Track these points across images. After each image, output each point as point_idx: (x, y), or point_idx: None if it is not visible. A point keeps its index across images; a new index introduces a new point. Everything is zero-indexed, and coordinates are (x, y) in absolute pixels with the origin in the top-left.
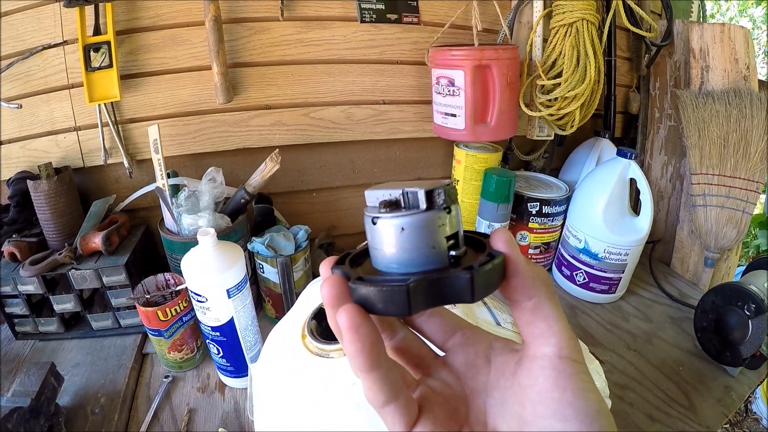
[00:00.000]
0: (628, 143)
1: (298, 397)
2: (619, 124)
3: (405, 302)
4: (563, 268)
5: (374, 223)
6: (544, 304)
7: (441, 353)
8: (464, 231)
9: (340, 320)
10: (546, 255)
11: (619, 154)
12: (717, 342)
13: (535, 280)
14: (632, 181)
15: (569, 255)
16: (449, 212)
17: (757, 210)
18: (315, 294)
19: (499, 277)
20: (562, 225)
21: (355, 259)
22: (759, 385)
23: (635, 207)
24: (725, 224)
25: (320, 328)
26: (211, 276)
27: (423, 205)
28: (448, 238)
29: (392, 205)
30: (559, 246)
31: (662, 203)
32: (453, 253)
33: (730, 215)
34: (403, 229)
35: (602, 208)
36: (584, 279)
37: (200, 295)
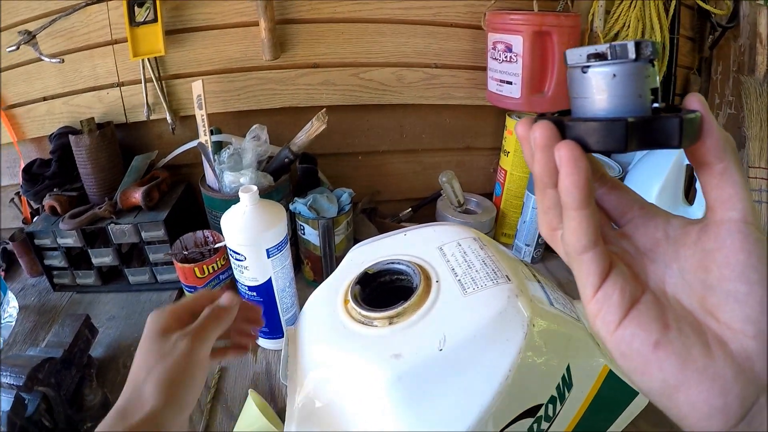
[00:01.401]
0: None
1: (337, 365)
2: None
3: (623, 137)
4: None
5: (584, 72)
6: (732, 169)
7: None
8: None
9: (561, 153)
10: None
11: None
12: None
13: (726, 144)
14: (688, 169)
15: None
16: (653, 66)
17: None
18: (358, 259)
19: (698, 132)
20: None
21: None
22: None
23: (688, 195)
24: None
25: (364, 294)
26: (251, 234)
27: (633, 54)
28: (651, 91)
29: (600, 57)
30: None
31: None
32: (656, 105)
33: None
34: (614, 75)
35: (656, 194)
36: None
37: (239, 254)
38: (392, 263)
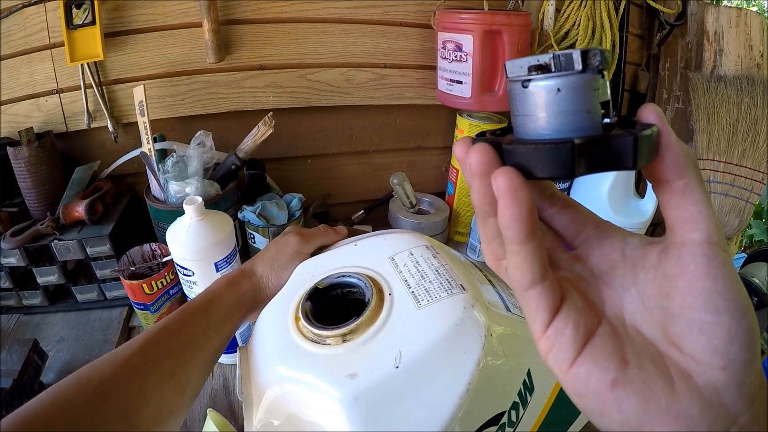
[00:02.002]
0: None
1: (292, 386)
2: (626, 102)
3: (569, 161)
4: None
5: (525, 87)
6: (694, 186)
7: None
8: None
9: (498, 183)
10: None
11: None
12: None
13: (687, 159)
14: None
15: None
16: (603, 77)
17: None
18: (308, 272)
19: (655, 149)
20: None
21: (494, 135)
22: None
23: (638, 188)
24: (728, 212)
25: (315, 310)
26: (198, 248)
27: (579, 65)
28: (602, 105)
29: (543, 69)
30: None
31: None
32: (607, 120)
33: (733, 203)
34: (559, 90)
35: (607, 189)
36: None
37: (186, 269)
38: (343, 276)
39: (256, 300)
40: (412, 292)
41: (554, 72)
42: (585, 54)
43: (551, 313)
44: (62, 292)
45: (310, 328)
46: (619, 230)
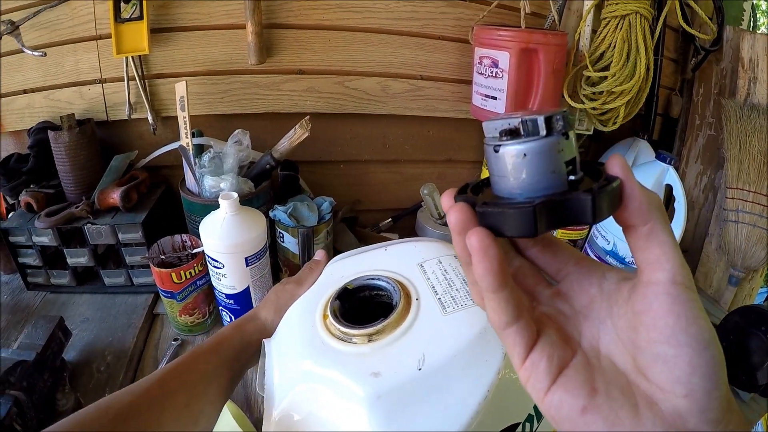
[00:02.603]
0: (665, 148)
1: (316, 381)
2: (658, 126)
3: (531, 223)
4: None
5: (496, 151)
6: (659, 229)
7: (553, 283)
8: (581, 159)
9: (471, 242)
10: None
11: (659, 158)
12: (735, 364)
13: (650, 205)
14: (667, 188)
15: (595, 255)
16: (567, 138)
17: None
18: (338, 272)
19: (617, 200)
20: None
21: (475, 189)
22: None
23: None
24: (755, 244)
25: (343, 309)
26: (230, 242)
27: (543, 131)
28: (567, 163)
29: (512, 133)
30: (586, 245)
31: (692, 214)
32: (572, 177)
33: (760, 235)
34: (525, 155)
35: None
36: None
37: (217, 261)
38: (372, 279)
39: (261, 341)
40: (439, 298)
41: (522, 137)
42: (548, 120)
43: (527, 348)
44: (90, 275)
45: (338, 326)
46: (598, 266)
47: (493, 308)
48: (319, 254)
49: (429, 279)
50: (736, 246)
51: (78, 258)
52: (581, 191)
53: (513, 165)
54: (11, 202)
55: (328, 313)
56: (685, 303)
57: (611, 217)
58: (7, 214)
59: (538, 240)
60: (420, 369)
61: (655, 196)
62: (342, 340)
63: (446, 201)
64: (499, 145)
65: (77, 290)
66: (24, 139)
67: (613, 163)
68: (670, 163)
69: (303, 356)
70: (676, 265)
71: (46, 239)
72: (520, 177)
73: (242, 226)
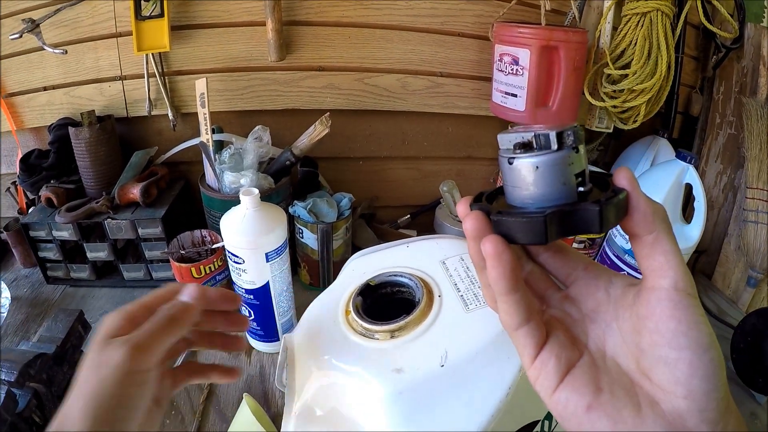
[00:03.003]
0: (685, 146)
1: (338, 376)
2: (678, 124)
3: (542, 231)
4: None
5: (510, 163)
6: (663, 238)
7: (562, 287)
8: (589, 172)
9: (486, 248)
10: (590, 251)
11: (679, 156)
12: (751, 366)
13: (655, 216)
14: (687, 187)
15: (614, 254)
16: (577, 152)
17: None
18: (360, 268)
19: (624, 211)
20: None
21: (490, 197)
22: None
23: (685, 214)
24: None
25: (365, 305)
26: (251, 238)
27: (554, 145)
28: (577, 176)
29: (526, 146)
30: (605, 243)
31: (712, 213)
32: (581, 189)
33: None
34: (537, 167)
35: None
36: None
37: (237, 257)
38: (395, 276)
39: None
40: (461, 295)
41: (535, 150)
42: (560, 135)
43: (536, 349)
44: (109, 269)
45: (361, 322)
46: (606, 271)
47: (505, 310)
48: (188, 291)
49: (451, 276)
50: (756, 247)
51: (98, 252)
52: (590, 202)
53: (526, 176)
54: (31, 197)
55: (351, 309)
56: (686, 308)
57: None
58: (28, 208)
59: (549, 246)
60: (442, 365)
61: (660, 207)
62: (364, 336)
63: (462, 209)
64: (513, 158)
65: (96, 284)
66: (44, 135)
67: (621, 176)
68: (690, 162)
69: (325, 352)
70: (679, 272)
71: (66, 234)
72: (533, 188)
73: (263, 222)
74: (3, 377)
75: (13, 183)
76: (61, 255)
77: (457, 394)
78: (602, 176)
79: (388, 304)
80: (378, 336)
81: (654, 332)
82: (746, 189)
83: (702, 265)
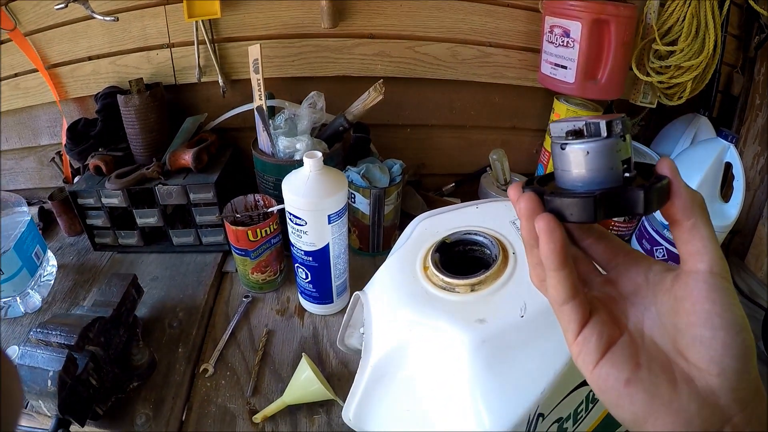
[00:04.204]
0: (724, 126)
1: (419, 328)
2: (717, 104)
3: (592, 210)
4: (644, 241)
5: (563, 149)
6: (700, 225)
7: (603, 272)
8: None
9: (540, 225)
10: (629, 225)
11: (720, 135)
12: None
13: (694, 203)
14: (727, 166)
15: (653, 229)
16: (624, 140)
17: None
18: (432, 228)
19: (666, 196)
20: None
21: (541, 181)
22: None
23: (723, 193)
24: None
25: (444, 260)
26: (314, 200)
27: (604, 133)
28: (623, 162)
29: (577, 134)
30: (644, 218)
31: (748, 195)
32: (627, 174)
33: None
34: (588, 152)
35: (694, 188)
36: (663, 255)
37: (299, 218)
38: (470, 234)
39: None
40: None
41: (585, 137)
42: (609, 123)
43: (580, 325)
44: (157, 235)
45: (441, 276)
46: (645, 258)
47: (554, 285)
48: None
49: None
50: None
51: (147, 218)
52: (635, 186)
53: (577, 161)
54: (77, 166)
55: (429, 264)
56: (720, 291)
57: None
58: (73, 178)
59: (592, 232)
60: (522, 316)
61: (698, 195)
62: (445, 289)
63: (513, 192)
64: (566, 144)
65: (145, 250)
66: (88, 105)
67: (663, 165)
68: (731, 141)
69: (405, 305)
70: (715, 257)
71: (115, 200)
72: (583, 171)
73: (326, 185)
74: (63, 341)
75: (57, 153)
76: (109, 222)
77: (535, 344)
78: (646, 166)
79: (461, 261)
80: (459, 289)
81: (690, 313)
82: None
83: (736, 245)
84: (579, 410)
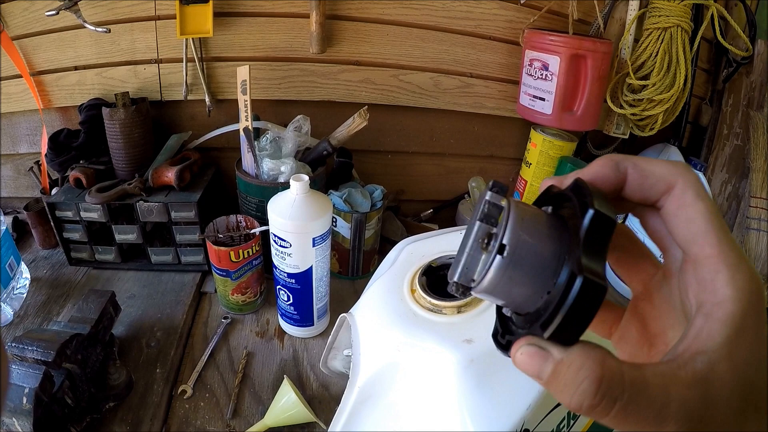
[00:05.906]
0: (693, 155)
1: (408, 349)
2: (687, 134)
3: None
4: None
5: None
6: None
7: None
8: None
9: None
10: None
11: (689, 164)
12: None
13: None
14: None
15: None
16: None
17: None
18: (418, 252)
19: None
20: (624, 220)
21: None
22: None
23: None
24: None
25: (430, 283)
26: (300, 222)
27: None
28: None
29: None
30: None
31: None
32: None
33: None
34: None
35: None
36: None
37: (284, 240)
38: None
39: None
40: None
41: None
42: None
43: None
44: (135, 252)
45: (428, 298)
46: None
47: None
48: None
49: None
50: (758, 254)
51: (126, 235)
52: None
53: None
54: (54, 178)
55: (417, 287)
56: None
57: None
58: (50, 189)
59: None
60: None
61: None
62: (432, 311)
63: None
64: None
65: (122, 267)
66: (71, 115)
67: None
68: (700, 170)
69: (394, 326)
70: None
71: (95, 215)
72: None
73: (312, 208)
74: (39, 357)
75: (36, 162)
76: (86, 236)
77: None
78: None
79: (446, 284)
80: (446, 311)
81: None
82: (750, 198)
83: None
84: (561, 426)
